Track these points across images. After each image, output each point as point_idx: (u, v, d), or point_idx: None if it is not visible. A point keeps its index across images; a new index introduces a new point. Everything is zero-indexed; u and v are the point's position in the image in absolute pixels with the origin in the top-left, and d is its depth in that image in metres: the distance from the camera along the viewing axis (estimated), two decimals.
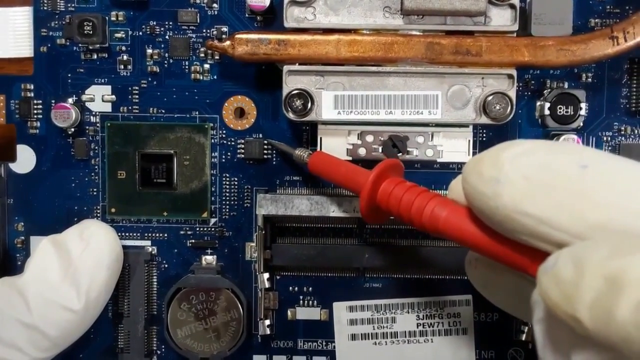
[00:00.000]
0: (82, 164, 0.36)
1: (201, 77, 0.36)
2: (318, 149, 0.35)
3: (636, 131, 0.35)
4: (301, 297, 0.36)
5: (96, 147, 0.36)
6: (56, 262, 0.33)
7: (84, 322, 0.33)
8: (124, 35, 0.35)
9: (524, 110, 0.35)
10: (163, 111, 0.36)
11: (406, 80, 0.33)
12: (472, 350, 0.36)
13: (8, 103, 0.36)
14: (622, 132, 0.35)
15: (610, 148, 0.35)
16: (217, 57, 0.35)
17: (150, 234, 0.36)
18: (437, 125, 0.34)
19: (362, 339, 0.36)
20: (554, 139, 0.35)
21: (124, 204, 0.36)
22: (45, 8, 0.35)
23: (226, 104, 0.36)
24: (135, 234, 0.36)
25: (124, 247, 0.35)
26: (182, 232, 0.36)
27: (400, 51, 0.32)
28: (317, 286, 0.36)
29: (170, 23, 0.35)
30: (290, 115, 0.33)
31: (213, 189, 0.36)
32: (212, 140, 0.36)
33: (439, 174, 0.36)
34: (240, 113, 0.36)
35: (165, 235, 0.36)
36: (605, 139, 0.35)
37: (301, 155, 0.33)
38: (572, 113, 0.34)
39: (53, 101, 0.36)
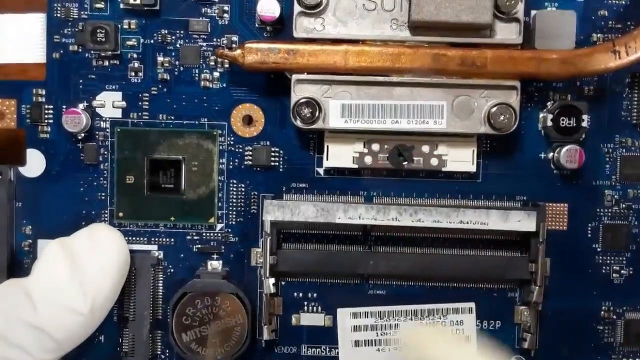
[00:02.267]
0: (92, 169, 0.37)
1: (211, 85, 0.36)
2: (325, 158, 0.35)
3: (637, 144, 0.36)
4: (306, 303, 0.37)
5: (106, 153, 0.36)
6: (64, 265, 0.33)
7: (90, 325, 0.33)
8: (135, 43, 0.36)
9: (528, 122, 0.36)
10: (172, 118, 0.36)
11: (412, 90, 0.34)
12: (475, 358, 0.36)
13: (20, 108, 0.36)
14: (624, 145, 0.36)
15: (611, 160, 0.36)
16: (227, 66, 0.36)
17: (157, 239, 0.37)
18: (443, 135, 0.34)
19: (365, 346, 0.36)
20: (557, 150, 0.35)
21: (132, 209, 0.36)
22: (59, 15, 0.36)
23: (235, 112, 0.36)
24: (142, 239, 0.37)
25: (131, 251, 0.36)
26: (188, 238, 0.37)
27: (407, 62, 0.33)
28: (321, 292, 0.37)
29: (182, 32, 0.36)
30: (299, 124, 0.34)
31: (220, 195, 0.36)
32: (221, 147, 0.36)
33: (443, 184, 0.36)
34: (249, 121, 0.36)
35: (172, 240, 0.37)
36: (606, 151, 0.36)
37: None
38: (574, 125, 0.35)
39: (64, 107, 0.36)
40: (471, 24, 0.32)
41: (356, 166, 0.35)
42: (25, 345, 0.31)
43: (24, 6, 0.37)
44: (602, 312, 0.36)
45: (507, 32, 0.33)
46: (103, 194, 0.37)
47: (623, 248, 0.36)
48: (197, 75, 0.36)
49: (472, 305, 0.36)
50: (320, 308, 0.37)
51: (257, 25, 0.36)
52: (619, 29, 0.35)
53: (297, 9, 0.33)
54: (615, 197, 0.36)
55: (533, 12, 0.34)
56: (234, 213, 0.37)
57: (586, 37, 0.35)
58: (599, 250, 0.36)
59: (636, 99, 0.35)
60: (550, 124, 0.35)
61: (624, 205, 0.36)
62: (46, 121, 0.36)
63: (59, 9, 0.36)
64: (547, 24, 0.33)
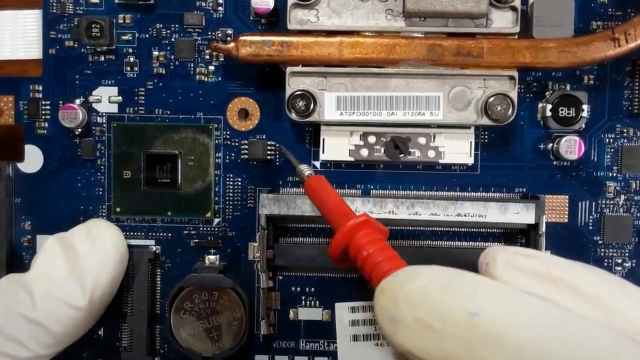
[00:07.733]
0: (89, 164, 0.37)
1: (206, 79, 0.36)
2: (320, 151, 0.35)
3: (638, 133, 0.35)
4: (303, 297, 0.36)
5: (102, 147, 0.37)
6: (62, 260, 0.33)
7: (88, 319, 0.33)
8: (130, 38, 0.36)
9: (526, 112, 0.35)
10: (168, 112, 0.36)
11: (408, 81, 0.33)
12: None
13: (17, 104, 0.37)
14: (625, 134, 0.35)
15: (612, 150, 0.35)
16: (221, 59, 0.36)
17: (154, 234, 0.37)
18: (439, 126, 0.34)
19: (363, 340, 0.36)
20: (556, 140, 0.35)
21: (129, 204, 0.36)
22: (54, 11, 0.36)
23: (230, 105, 0.36)
24: (139, 233, 0.37)
25: (129, 246, 0.36)
26: (185, 232, 0.37)
27: (402, 53, 0.33)
28: (319, 286, 0.36)
29: (176, 26, 0.36)
30: (293, 116, 0.33)
31: (217, 189, 0.36)
32: (216, 141, 0.36)
33: (440, 175, 0.36)
34: (244, 114, 0.36)
35: (169, 234, 0.37)
36: (607, 141, 0.35)
37: (302, 172, 0.33)
38: (574, 115, 0.34)
39: (61, 102, 0.36)
40: (467, 13, 0.32)
41: (352, 159, 0.35)
42: (23, 339, 0.32)
43: (20, 2, 0.37)
44: None
45: (504, 21, 0.33)
46: (100, 189, 0.37)
47: (625, 240, 0.35)
48: (192, 69, 0.36)
49: None
50: (317, 302, 0.36)
51: (251, 18, 0.36)
52: (619, 16, 0.34)
53: (291, 0, 0.33)
54: (617, 187, 0.35)
55: (530, 0, 0.33)
56: (231, 207, 0.36)
57: (585, 24, 0.35)
58: (600, 242, 0.35)
59: (637, 88, 0.35)
60: (549, 114, 0.34)
61: (625, 196, 0.35)
62: (43, 117, 0.37)
63: (54, 4, 0.36)
64: (545, 12, 0.33)
